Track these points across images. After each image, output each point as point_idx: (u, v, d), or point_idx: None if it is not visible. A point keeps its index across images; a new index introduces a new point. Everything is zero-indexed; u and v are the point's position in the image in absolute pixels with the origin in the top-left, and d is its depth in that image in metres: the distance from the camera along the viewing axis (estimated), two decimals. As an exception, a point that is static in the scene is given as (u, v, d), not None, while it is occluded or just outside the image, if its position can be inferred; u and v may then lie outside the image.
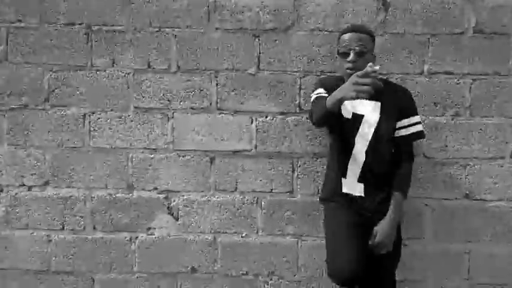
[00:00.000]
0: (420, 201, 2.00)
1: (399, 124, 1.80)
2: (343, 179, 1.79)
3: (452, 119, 2.02)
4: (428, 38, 2.04)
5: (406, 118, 1.80)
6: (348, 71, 1.75)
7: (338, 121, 1.78)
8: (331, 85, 1.81)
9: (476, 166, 2.00)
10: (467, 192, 2.00)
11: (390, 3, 2.05)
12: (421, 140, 1.92)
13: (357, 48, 1.74)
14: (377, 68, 1.44)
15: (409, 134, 1.83)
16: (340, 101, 1.58)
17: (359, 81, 1.47)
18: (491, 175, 2.01)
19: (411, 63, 2.03)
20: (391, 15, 2.03)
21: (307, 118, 1.93)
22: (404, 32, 2.02)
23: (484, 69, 2.03)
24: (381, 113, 1.78)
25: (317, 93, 1.81)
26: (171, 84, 2.04)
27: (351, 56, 1.75)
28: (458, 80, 2.02)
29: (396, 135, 1.80)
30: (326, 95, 1.77)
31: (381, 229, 1.69)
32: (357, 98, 1.50)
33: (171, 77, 2.05)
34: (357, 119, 1.80)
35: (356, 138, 1.80)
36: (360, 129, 1.81)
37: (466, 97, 2.01)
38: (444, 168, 2.01)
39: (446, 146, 2.00)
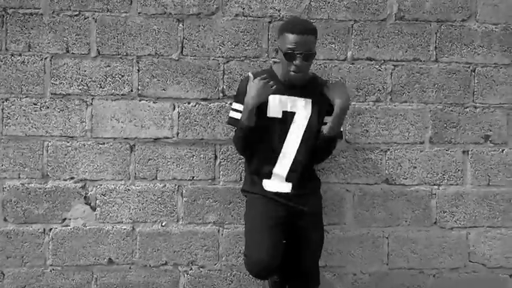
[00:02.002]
0: (341, 186, 2.16)
1: (326, 120, 2.05)
2: (265, 181, 2.00)
3: (373, 105, 2.18)
4: (352, 25, 2.18)
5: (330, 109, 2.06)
6: (292, 73, 1.94)
7: (262, 121, 1.99)
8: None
9: (396, 151, 2.18)
10: (387, 177, 2.14)
11: (314, -12, 2.18)
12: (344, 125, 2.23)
13: (304, 53, 1.87)
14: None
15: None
16: (252, 110, 1.90)
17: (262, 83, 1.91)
18: (411, 160, 2.16)
19: (335, 49, 2.17)
20: (316, 1, 2.17)
21: (227, 122, 2.19)
22: (328, 18, 2.20)
23: (405, 55, 2.20)
24: (312, 109, 2.03)
25: (237, 110, 2.04)
26: (91, 70, 2.16)
27: (297, 61, 1.88)
28: (379, 66, 2.18)
29: (322, 130, 2.04)
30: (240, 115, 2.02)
31: (331, 121, 1.98)
32: (263, 98, 1.89)
33: (90, 62, 2.15)
34: (288, 117, 2.02)
35: (287, 137, 2.00)
36: (291, 128, 2.01)
37: (388, 83, 2.17)
38: (365, 153, 2.16)
39: (367, 131, 2.17)
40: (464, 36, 2.41)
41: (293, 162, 2.01)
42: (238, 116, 2.02)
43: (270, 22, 2.36)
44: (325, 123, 2.03)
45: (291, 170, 2.01)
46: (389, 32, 2.40)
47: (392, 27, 2.40)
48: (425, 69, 2.41)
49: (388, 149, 2.40)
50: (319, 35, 2.32)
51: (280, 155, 2.01)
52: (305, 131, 2.02)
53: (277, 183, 2.02)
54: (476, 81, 2.42)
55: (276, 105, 2.02)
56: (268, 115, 2.02)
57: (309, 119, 2.03)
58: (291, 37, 1.87)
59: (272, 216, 2.01)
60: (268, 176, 2.03)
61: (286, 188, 2.02)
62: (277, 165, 2.02)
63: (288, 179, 2.02)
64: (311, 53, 1.92)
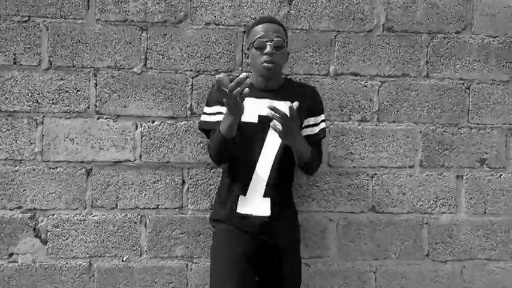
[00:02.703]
0: (323, 215, 1.99)
1: (305, 123, 1.92)
2: (241, 197, 1.79)
3: (358, 125, 2.00)
4: (335, 36, 2.00)
5: (313, 117, 1.93)
6: (265, 64, 1.81)
7: (238, 129, 1.82)
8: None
9: (383, 176, 2.00)
10: (374, 204, 1.95)
11: (294, -5, 2.00)
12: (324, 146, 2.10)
13: (274, 39, 1.80)
14: (245, 75, 1.59)
15: (317, 133, 1.93)
16: (232, 122, 1.70)
17: (231, 99, 1.61)
18: (400, 186, 1.98)
19: (316, 63, 2.00)
20: (295, 9, 2.01)
21: (200, 131, 2.03)
22: (309, 28, 2.02)
23: (394, 70, 2.03)
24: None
25: (211, 114, 1.91)
26: (42, 84, 2.03)
27: (268, 48, 1.79)
28: (365, 82, 1.99)
29: (302, 134, 1.88)
30: (215, 118, 1.86)
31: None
32: (233, 107, 1.63)
33: (41, 75, 2.01)
34: (265, 122, 1.83)
35: (264, 144, 1.84)
36: (268, 134, 1.84)
37: (374, 101, 1.99)
38: (349, 178, 1.98)
39: (352, 153, 1.98)
40: (458, 50, 2.24)
41: (271, 174, 1.82)
42: (211, 119, 1.90)
43: (244, 32, 2.16)
44: (309, 126, 1.92)
45: (270, 183, 1.82)
46: (376, 45, 2.22)
47: (379, 39, 2.22)
48: (416, 85, 2.23)
49: (375, 174, 2.21)
50: (298, 46, 2.14)
51: (256, 166, 1.82)
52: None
53: (253, 200, 1.82)
54: (471, 99, 2.25)
55: (252, 109, 1.85)
56: (242, 120, 1.83)
57: None
58: (258, 28, 1.83)
59: (240, 252, 1.83)
60: (244, 190, 1.83)
61: (264, 207, 1.81)
62: (254, 176, 1.83)
63: (266, 194, 1.82)
64: (281, 40, 1.82)
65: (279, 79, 1.92)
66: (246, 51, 1.94)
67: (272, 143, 1.84)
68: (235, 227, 1.86)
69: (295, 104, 1.63)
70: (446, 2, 2.22)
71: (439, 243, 2.22)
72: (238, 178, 1.88)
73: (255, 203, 1.83)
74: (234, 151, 1.82)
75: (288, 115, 1.63)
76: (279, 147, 1.84)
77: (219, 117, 1.81)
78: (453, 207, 2.23)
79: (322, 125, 1.94)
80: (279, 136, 1.72)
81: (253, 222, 1.84)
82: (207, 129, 1.93)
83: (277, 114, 1.63)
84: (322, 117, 1.95)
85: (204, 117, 1.94)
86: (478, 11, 2.23)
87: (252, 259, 1.83)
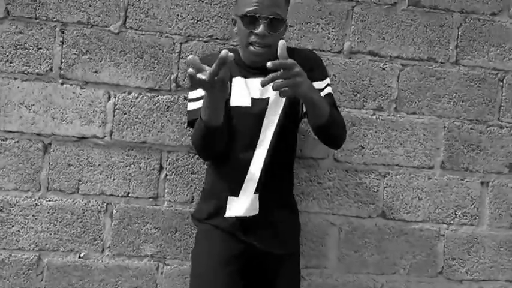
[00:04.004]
0: (324, 218, 1.72)
1: None
2: (230, 198, 1.53)
3: (373, 114, 1.73)
4: (353, 7, 1.72)
5: (316, 82, 1.52)
6: (252, 48, 1.47)
7: (226, 115, 1.47)
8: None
9: (397, 176, 1.73)
10: (384, 209, 1.68)
11: (307, -46, 1.71)
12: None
13: (270, 16, 1.43)
14: (225, 53, 1.18)
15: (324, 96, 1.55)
16: (213, 104, 1.33)
17: (204, 80, 1.22)
18: (416, 189, 1.71)
19: (328, 38, 1.71)
20: None
21: (186, 115, 1.68)
22: None
23: (418, 53, 1.77)
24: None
25: (195, 99, 1.55)
26: None
27: (260, 28, 1.43)
28: (384, 64, 1.72)
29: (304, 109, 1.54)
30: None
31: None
32: (215, 89, 1.26)
33: None
34: (260, 105, 1.54)
35: (261, 132, 1.52)
36: (265, 120, 1.53)
37: (393, 87, 1.71)
38: (358, 176, 1.71)
39: (363, 147, 1.69)
40: (493, 35, 1.97)
41: (267, 165, 1.52)
42: (197, 105, 1.51)
43: (246, -6, 1.86)
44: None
45: (263, 177, 1.52)
46: (400, 21, 1.94)
47: (403, 15, 1.94)
48: (442, 72, 1.96)
49: (388, 173, 1.93)
50: (308, 16, 1.85)
51: (253, 158, 1.52)
52: (281, 119, 1.54)
53: (245, 199, 1.52)
54: (504, 93, 1.98)
55: (243, 90, 1.54)
56: (232, 104, 1.53)
57: (285, 104, 1.54)
58: None
59: (227, 256, 1.54)
60: (235, 189, 1.53)
61: (253, 205, 1.52)
62: (249, 172, 1.52)
63: (257, 190, 1.52)
64: (279, 18, 1.45)
65: (270, 55, 1.50)
66: (232, 17, 1.58)
67: (268, 126, 1.53)
68: (222, 228, 1.58)
69: (282, 42, 1.25)
70: (483, -22, 1.96)
71: (455, 259, 1.96)
72: (229, 173, 1.56)
73: (246, 203, 1.54)
74: (223, 143, 1.51)
75: (284, 63, 1.25)
76: (275, 129, 1.53)
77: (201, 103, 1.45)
78: (475, 219, 1.97)
79: (328, 89, 1.60)
80: (291, 91, 1.29)
81: (242, 223, 1.55)
82: (194, 118, 1.53)
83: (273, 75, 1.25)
84: (328, 81, 1.62)
85: (190, 105, 1.58)
86: (520, -8, 1.98)
87: (241, 265, 1.54)
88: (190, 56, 1.22)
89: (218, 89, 1.27)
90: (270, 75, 1.24)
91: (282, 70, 1.24)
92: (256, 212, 1.53)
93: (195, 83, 1.33)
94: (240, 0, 1.50)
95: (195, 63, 1.22)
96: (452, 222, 1.96)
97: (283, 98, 1.47)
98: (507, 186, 1.98)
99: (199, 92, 1.52)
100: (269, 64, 1.23)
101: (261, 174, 1.52)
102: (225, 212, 1.55)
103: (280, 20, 1.46)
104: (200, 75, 1.22)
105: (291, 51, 1.56)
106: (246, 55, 1.53)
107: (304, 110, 1.53)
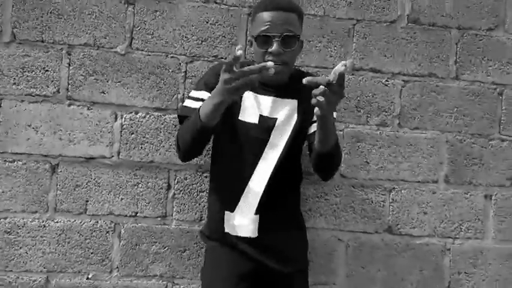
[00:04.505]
0: (332, 234, 1.78)
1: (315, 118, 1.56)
2: (227, 213, 1.58)
3: (377, 129, 1.78)
4: (354, 25, 1.77)
5: None
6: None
7: (231, 125, 1.56)
8: None
9: (403, 191, 1.78)
10: (391, 224, 1.72)
11: (308, -24, 1.78)
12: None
13: (284, 34, 1.48)
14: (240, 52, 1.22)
15: None
16: (218, 107, 1.34)
17: (237, 75, 1.24)
18: (421, 203, 1.75)
19: (331, 55, 1.76)
20: None
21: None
22: (324, 14, 1.82)
23: (419, 69, 1.82)
24: (298, 114, 1.60)
25: (195, 98, 1.57)
26: (1, 60, 1.89)
27: (274, 47, 1.48)
28: (386, 81, 1.75)
29: (308, 132, 1.61)
30: (198, 105, 1.50)
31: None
32: (237, 96, 1.32)
33: (1, 48, 1.90)
34: (267, 124, 1.58)
35: (265, 151, 1.57)
36: (270, 138, 1.58)
37: (396, 103, 1.77)
38: (364, 192, 1.75)
39: (368, 163, 1.72)
40: (491, 50, 2.04)
41: (269, 185, 1.56)
42: (194, 105, 1.55)
43: (249, 14, 1.93)
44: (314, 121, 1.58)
45: (265, 198, 1.56)
46: (400, 38, 2.01)
47: (403, 32, 2.01)
48: (443, 87, 2.02)
49: (393, 188, 1.98)
50: (311, 35, 1.91)
51: (253, 176, 1.56)
52: (288, 143, 1.58)
53: (241, 218, 1.56)
54: (504, 107, 2.05)
55: (252, 106, 1.58)
56: (239, 118, 1.57)
57: (294, 127, 1.59)
58: (264, 15, 1.49)
59: (235, 273, 1.57)
60: (232, 205, 1.57)
61: (252, 226, 1.55)
62: (246, 189, 1.56)
63: (258, 211, 1.56)
64: (292, 34, 1.49)
65: (288, 74, 1.61)
66: (249, 38, 1.66)
67: (274, 147, 1.58)
68: (228, 245, 1.61)
69: (349, 62, 1.27)
70: (479, -5, 2.04)
71: (461, 274, 1.99)
72: (227, 189, 1.62)
73: (244, 222, 1.58)
74: (205, 146, 1.54)
75: (334, 80, 1.25)
76: (281, 151, 1.58)
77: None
78: (480, 232, 2.01)
79: (334, 114, 1.58)
80: (320, 110, 1.29)
81: (248, 241, 1.59)
82: (186, 115, 1.57)
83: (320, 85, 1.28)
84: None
85: (187, 102, 1.60)
86: (513, 7, 2.06)
87: (250, 283, 1.57)
88: (239, 52, 1.23)
89: (235, 93, 1.29)
90: (323, 89, 1.25)
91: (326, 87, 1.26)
92: (254, 235, 1.57)
93: (203, 85, 1.50)
94: (254, 22, 1.56)
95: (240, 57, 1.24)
96: (457, 236, 2.00)
97: (292, 120, 1.53)
98: (510, 199, 2.03)
99: (201, 94, 1.56)
100: (318, 79, 1.27)
101: (262, 195, 1.56)
102: (224, 228, 1.59)
103: (293, 37, 1.51)
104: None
105: (302, 74, 1.62)
106: (263, 74, 1.57)
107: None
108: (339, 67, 1.24)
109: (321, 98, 1.26)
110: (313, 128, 1.58)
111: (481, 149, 2.02)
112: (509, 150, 2.04)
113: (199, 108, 1.43)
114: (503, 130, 2.04)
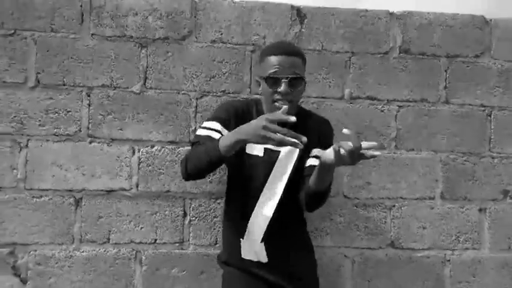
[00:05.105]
0: (338, 251, 1.93)
1: (313, 153, 1.77)
2: (242, 240, 1.76)
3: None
4: (350, 57, 1.97)
5: (318, 148, 1.76)
6: (277, 104, 1.68)
7: (239, 157, 1.72)
8: (237, 114, 1.75)
9: (403, 208, 1.96)
10: (393, 239, 1.90)
11: (306, 14, 1.97)
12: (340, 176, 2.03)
13: (291, 76, 1.66)
14: (293, 119, 1.42)
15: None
16: (240, 143, 1.53)
17: (270, 127, 1.41)
18: (420, 219, 1.93)
19: (330, 86, 1.94)
20: (307, 28, 1.99)
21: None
22: (322, 48, 1.98)
23: (412, 95, 2.00)
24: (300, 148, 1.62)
25: (208, 128, 1.74)
26: (27, 103, 1.98)
27: (283, 87, 1.65)
28: (382, 107, 1.95)
29: (305, 164, 1.76)
30: (218, 135, 1.68)
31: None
32: (263, 143, 1.47)
33: (27, 93, 1.96)
34: (270, 156, 1.75)
35: (268, 181, 1.74)
36: (274, 170, 1.74)
37: (392, 126, 1.95)
38: (366, 210, 1.92)
39: (369, 183, 1.90)
40: (478, 75, 2.24)
41: (273, 219, 1.74)
42: (205, 133, 1.71)
43: (252, 51, 2.12)
44: (315, 157, 1.73)
45: (271, 226, 1.73)
46: (393, 68, 2.21)
47: (396, 62, 2.21)
48: (435, 111, 2.21)
49: (394, 206, 2.16)
50: (311, 67, 2.10)
51: (257, 206, 1.74)
52: (291, 174, 1.75)
53: (251, 245, 1.74)
54: (492, 126, 2.24)
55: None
56: (246, 151, 1.75)
57: (297, 160, 1.77)
58: (273, 59, 1.68)
59: None
60: (243, 233, 1.75)
61: (261, 252, 1.73)
62: (251, 219, 1.74)
63: (263, 239, 1.74)
64: (299, 76, 1.69)
65: (294, 109, 1.78)
66: (256, 78, 1.81)
67: (277, 178, 1.74)
68: (243, 270, 1.78)
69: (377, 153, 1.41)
70: (464, 24, 2.24)
71: (462, 283, 2.16)
72: (237, 216, 1.79)
73: (254, 248, 1.75)
74: (209, 173, 1.72)
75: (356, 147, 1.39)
76: (285, 184, 1.74)
77: (213, 134, 1.69)
78: (477, 243, 2.19)
79: None
80: (336, 160, 1.44)
81: (259, 266, 1.75)
82: (198, 141, 1.73)
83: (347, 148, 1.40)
84: None
85: (201, 131, 1.74)
86: (497, 35, 2.25)
87: None
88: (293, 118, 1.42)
89: (264, 138, 1.44)
90: (353, 147, 1.37)
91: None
92: (264, 260, 1.74)
93: (217, 118, 1.70)
94: (263, 64, 1.74)
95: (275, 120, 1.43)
96: (456, 248, 2.18)
97: (294, 154, 1.71)
98: (503, 211, 2.21)
99: (212, 124, 1.72)
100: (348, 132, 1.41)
101: (268, 225, 1.73)
102: (240, 253, 1.75)
103: (300, 78, 1.70)
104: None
105: (308, 115, 1.83)
106: (272, 111, 1.72)
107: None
108: (370, 145, 1.39)
109: (343, 152, 1.39)
110: (310, 161, 1.75)
111: (473, 166, 2.21)
112: (500, 166, 2.23)
113: (218, 139, 1.60)
114: (493, 148, 2.23)
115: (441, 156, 2.19)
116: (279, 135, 1.40)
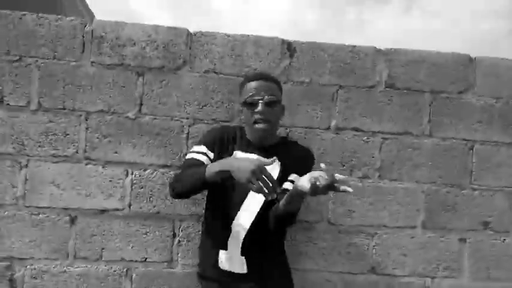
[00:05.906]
0: (321, 275, 2.05)
1: (290, 177, 1.90)
2: (221, 252, 1.81)
3: (360, 181, 2.09)
4: (337, 90, 2.14)
5: (296, 175, 1.89)
6: (256, 125, 1.86)
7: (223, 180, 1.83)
8: (222, 138, 1.94)
9: (384, 236, 2.08)
10: (374, 265, 2.03)
11: (296, 48, 2.13)
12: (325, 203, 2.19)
13: (266, 97, 1.86)
14: (274, 161, 1.64)
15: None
16: (225, 174, 1.68)
17: (257, 174, 1.58)
18: (401, 247, 2.07)
19: (317, 117, 2.10)
20: (297, 61, 2.14)
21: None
22: (311, 81, 2.13)
23: (396, 128, 2.15)
24: (280, 172, 1.91)
25: (195, 152, 1.92)
26: (28, 125, 2.12)
27: (260, 107, 1.85)
28: (367, 138, 2.10)
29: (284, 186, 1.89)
30: (204, 157, 1.88)
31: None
32: (245, 182, 1.60)
33: (29, 116, 2.09)
34: None
35: (246, 199, 1.88)
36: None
37: (376, 157, 2.10)
38: (349, 237, 2.05)
39: (353, 211, 2.04)
40: (461, 110, 2.39)
41: (250, 231, 1.88)
42: (196, 156, 1.89)
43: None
44: (292, 181, 1.88)
45: (248, 241, 1.87)
46: (379, 101, 2.36)
47: (381, 96, 2.37)
48: (418, 144, 2.37)
49: (376, 233, 2.30)
50: (299, 99, 2.27)
51: (236, 221, 1.89)
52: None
53: (232, 256, 1.88)
54: (474, 160, 2.38)
55: None
56: None
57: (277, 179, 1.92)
58: (251, 84, 1.89)
59: None
60: (224, 244, 1.89)
61: (240, 265, 1.87)
62: (232, 233, 1.88)
63: (243, 253, 1.88)
64: (274, 98, 1.87)
65: (274, 137, 1.98)
66: (239, 107, 2.00)
67: (255, 199, 1.87)
68: (221, 282, 1.89)
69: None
70: (449, 62, 2.40)
71: (441, 311, 2.29)
72: (218, 228, 1.91)
73: (234, 259, 1.87)
74: (195, 194, 1.89)
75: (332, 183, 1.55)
76: (261, 204, 1.87)
77: (202, 157, 1.88)
78: (456, 272, 2.32)
79: None
80: (312, 190, 1.57)
81: (237, 277, 1.87)
82: (187, 164, 1.90)
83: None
84: None
85: (191, 155, 1.91)
86: (481, 72, 2.41)
87: None
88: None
89: (250, 180, 1.60)
90: (329, 181, 1.53)
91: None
92: (244, 271, 1.86)
93: (205, 142, 1.91)
94: (242, 91, 1.93)
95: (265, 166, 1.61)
96: (435, 275, 2.30)
97: (276, 171, 1.88)
98: (482, 242, 2.34)
99: (200, 148, 1.91)
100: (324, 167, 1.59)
101: (245, 239, 1.85)
102: (217, 265, 1.87)
103: (275, 101, 1.88)
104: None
105: (292, 143, 2.02)
106: (253, 133, 1.91)
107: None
108: (344, 179, 1.54)
109: (319, 184, 1.54)
110: (285, 185, 1.89)
111: (455, 197, 2.35)
112: (480, 198, 2.36)
113: (206, 165, 1.77)
114: (474, 180, 2.37)
115: (423, 187, 2.34)
116: (259, 185, 1.57)
